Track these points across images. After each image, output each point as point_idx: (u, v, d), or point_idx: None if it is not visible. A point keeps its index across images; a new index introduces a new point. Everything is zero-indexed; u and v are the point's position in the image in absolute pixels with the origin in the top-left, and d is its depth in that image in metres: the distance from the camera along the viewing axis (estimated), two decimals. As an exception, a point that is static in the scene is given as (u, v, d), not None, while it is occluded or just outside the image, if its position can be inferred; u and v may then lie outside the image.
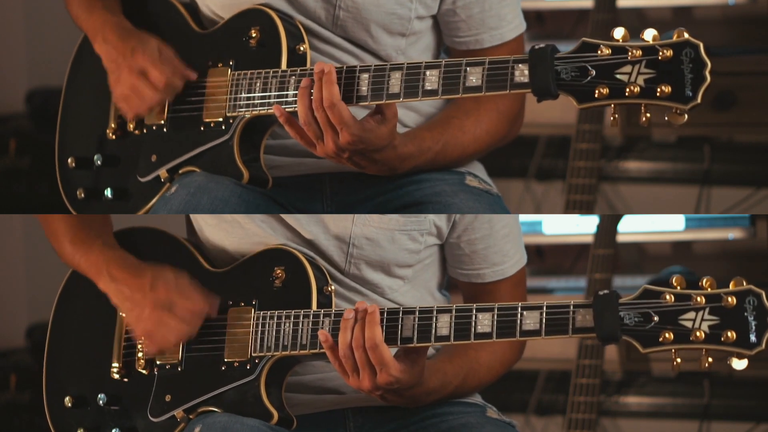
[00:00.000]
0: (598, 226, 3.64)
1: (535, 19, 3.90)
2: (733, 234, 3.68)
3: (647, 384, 3.66)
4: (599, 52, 1.94)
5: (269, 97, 2.15)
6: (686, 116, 1.91)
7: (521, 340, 2.01)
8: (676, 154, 3.80)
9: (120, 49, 2.21)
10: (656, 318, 1.92)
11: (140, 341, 2.17)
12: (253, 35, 2.19)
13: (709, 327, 1.90)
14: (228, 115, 2.18)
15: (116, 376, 2.20)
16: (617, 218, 3.67)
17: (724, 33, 3.76)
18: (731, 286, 1.91)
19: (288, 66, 2.16)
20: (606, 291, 1.94)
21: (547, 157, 3.88)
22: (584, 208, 3.64)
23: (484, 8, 2.25)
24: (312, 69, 2.11)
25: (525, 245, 2.28)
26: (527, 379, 3.71)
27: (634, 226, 3.73)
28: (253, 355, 2.12)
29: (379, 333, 2.00)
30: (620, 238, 3.66)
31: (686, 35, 1.91)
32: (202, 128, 2.20)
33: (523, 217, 3.79)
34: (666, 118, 1.93)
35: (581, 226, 3.76)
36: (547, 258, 3.84)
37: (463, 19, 2.26)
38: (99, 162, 2.29)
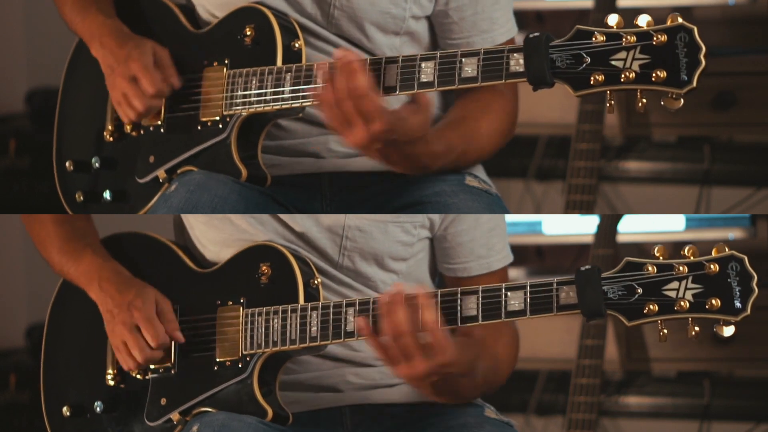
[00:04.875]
0: (598, 226, 3.63)
1: (534, 19, 3.90)
2: (733, 234, 3.67)
3: (647, 384, 3.66)
4: (593, 39, 1.95)
5: (266, 94, 2.15)
6: (682, 101, 1.91)
7: (507, 321, 1.99)
8: (676, 154, 3.79)
9: (116, 54, 2.22)
10: (640, 290, 1.91)
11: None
12: (248, 33, 2.19)
13: (693, 296, 1.89)
14: (225, 113, 2.19)
15: (111, 382, 2.22)
16: (617, 218, 3.66)
17: (724, 33, 3.75)
18: (713, 253, 1.90)
19: (283, 63, 2.16)
20: (588, 266, 1.94)
21: (547, 157, 3.87)
22: (584, 208, 3.63)
23: (477, 11, 2.26)
24: (306, 65, 2.11)
25: (525, 245, 2.28)
26: (527, 379, 3.71)
27: (634, 226, 3.72)
28: (244, 353, 2.12)
29: (435, 314, 1.98)
30: (620, 238, 3.65)
31: (680, 20, 1.92)
32: (199, 127, 2.20)
33: (523, 217, 3.78)
34: (662, 103, 1.93)
35: (581, 226, 3.76)
36: (547, 258, 3.83)
37: (456, 21, 2.26)
38: (97, 164, 2.30)
